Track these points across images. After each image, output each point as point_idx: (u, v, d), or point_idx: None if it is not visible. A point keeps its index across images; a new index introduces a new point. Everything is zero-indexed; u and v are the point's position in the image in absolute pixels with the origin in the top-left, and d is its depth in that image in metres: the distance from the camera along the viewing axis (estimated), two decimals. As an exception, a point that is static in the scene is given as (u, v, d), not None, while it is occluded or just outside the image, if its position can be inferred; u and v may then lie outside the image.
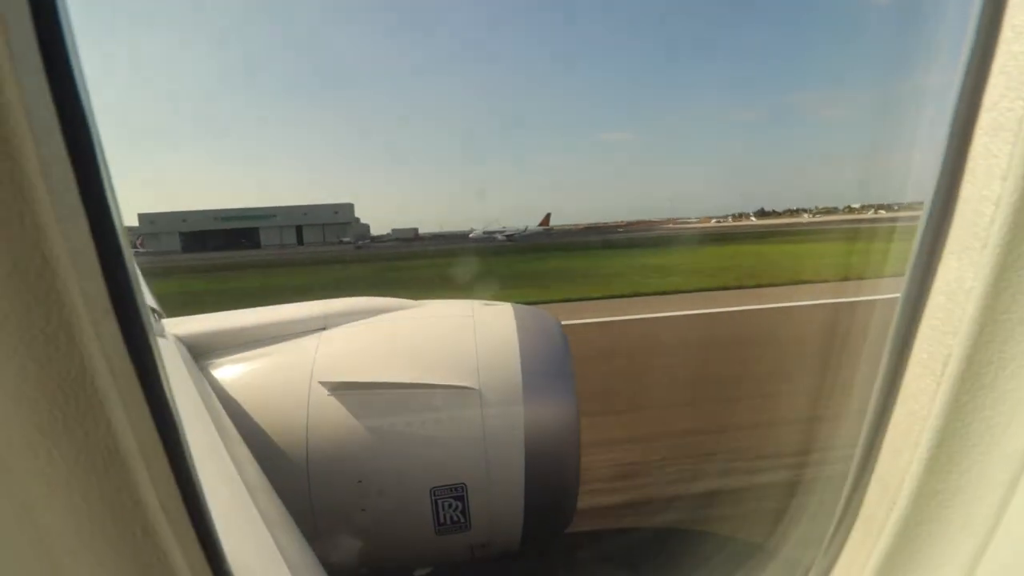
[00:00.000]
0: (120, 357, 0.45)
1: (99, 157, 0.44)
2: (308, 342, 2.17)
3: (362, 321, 2.32)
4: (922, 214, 0.63)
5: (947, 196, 0.60)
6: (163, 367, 0.50)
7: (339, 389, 1.98)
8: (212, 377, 2.05)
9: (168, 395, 0.50)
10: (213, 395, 1.85)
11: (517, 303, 2.49)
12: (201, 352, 2.16)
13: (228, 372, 2.09)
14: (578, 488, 2.17)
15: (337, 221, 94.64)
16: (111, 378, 0.44)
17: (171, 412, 0.51)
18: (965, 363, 0.57)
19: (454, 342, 2.15)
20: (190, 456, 0.54)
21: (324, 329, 2.27)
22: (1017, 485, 0.58)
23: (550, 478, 2.05)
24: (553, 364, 2.15)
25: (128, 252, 0.46)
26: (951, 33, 0.82)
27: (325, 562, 1.22)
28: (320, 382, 1.99)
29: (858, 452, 0.71)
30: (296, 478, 1.90)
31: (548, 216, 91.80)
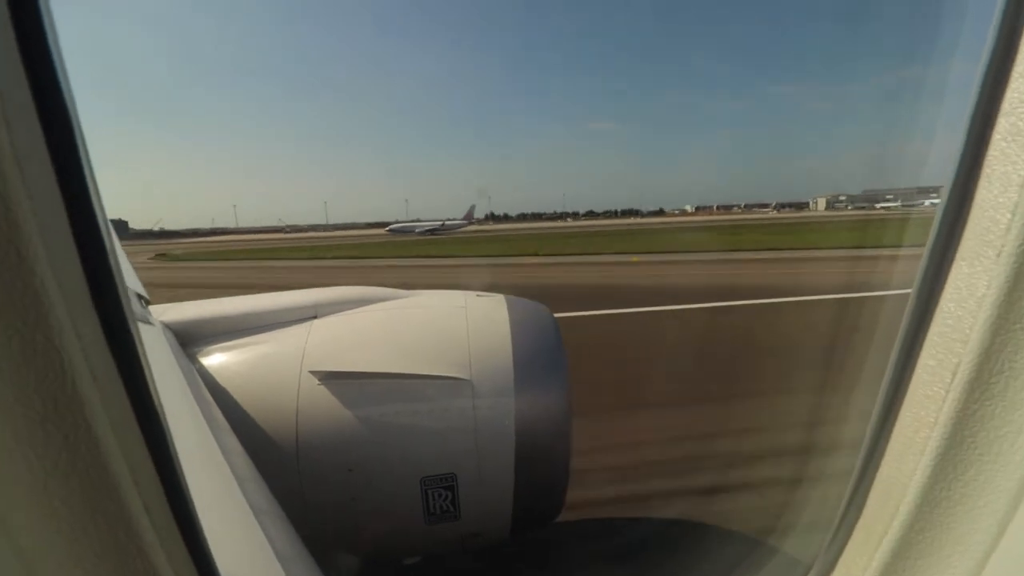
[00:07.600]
0: (102, 355, 0.43)
1: (79, 145, 0.41)
2: (299, 331, 2.14)
3: (353, 310, 2.29)
4: (935, 218, 0.61)
5: (961, 201, 0.59)
6: (147, 363, 0.47)
7: (329, 378, 1.95)
8: (200, 365, 2.02)
9: (153, 393, 0.48)
10: (201, 383, 1.82)
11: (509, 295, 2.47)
12: (189, 339, 2.12)
13: (217, 360, 2.05)
14: (568, 479, 2.17)
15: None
16: (91, 378, 0.42)
17: (156, 411, 0.48)
18: (975, 372, 0.56)
19: (446, 332, 2.13)
20: (176, 455, 0.52)
21: (315, 318, 2.24)
22: (1022, 496, 0.57)
23: (540, 469, 2.05)
24: (545, 355, 2.14)
25: (111, 242, 0.44)
26: (970, 33, 0.81)
27: (315, 552, 1.21)
28: (310, 371, 1.96)
29: (861, 455, 0.70)
30: (286, 468, 1.88)
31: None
